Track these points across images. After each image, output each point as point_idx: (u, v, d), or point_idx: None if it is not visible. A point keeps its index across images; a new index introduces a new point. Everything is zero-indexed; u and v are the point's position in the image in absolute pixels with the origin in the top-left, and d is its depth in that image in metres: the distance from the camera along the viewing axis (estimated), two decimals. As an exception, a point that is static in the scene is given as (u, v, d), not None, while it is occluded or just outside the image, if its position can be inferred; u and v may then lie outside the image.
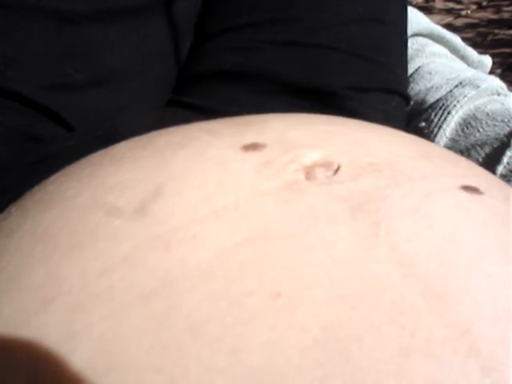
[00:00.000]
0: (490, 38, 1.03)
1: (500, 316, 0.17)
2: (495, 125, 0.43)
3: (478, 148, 0.43)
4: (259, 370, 0.15)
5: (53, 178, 0.25)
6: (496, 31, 1.05)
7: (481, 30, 1.05)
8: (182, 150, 0.22)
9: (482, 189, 0.22)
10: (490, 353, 0.16)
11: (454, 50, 0.51)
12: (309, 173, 0.21)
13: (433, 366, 0.15)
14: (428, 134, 0.45)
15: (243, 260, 0.17)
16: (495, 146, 0.42)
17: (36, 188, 0.25)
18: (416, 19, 0.50)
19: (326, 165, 0.21)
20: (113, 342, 0.16)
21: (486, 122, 0.43)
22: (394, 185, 0.20)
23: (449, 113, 0.44)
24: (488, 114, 0.43)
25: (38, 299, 0.17)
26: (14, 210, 0.23)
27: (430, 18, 0.52)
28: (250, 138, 0.22)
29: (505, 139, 0.42)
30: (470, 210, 0.21)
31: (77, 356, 0.16)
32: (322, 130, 0.23)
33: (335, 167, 0.21)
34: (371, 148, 0.22)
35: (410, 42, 0.49)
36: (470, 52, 0.51)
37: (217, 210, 0.19)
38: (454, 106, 0.44)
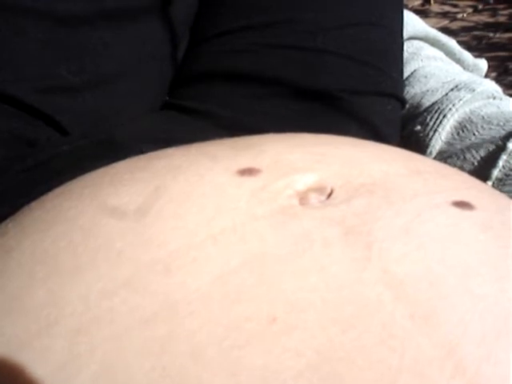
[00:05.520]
0: (485, 41, 1.03)
1: (486, 335, 0.17)
2: (491, 128, 0.43)
3: (474, 151, 0.43)
4: (256, 392, 0.16)
5: (51, 194, 0.25)
6: (492, 35, 1.05)
7: (476, 33, 1.06)
8: (181, 173, 0.22)
9: (473, 202, 0.23)
10: (475, 371, 0.16)
11: (449, 54, 0.51)
12: (303, 198, 0.21)
13: (420, 385, 0.16)
14: (423, 138, 0.45)
15: (240, 284, 0.18)
16: (491, 149, 0.42)
17: (34, 204, 0.25)
18: (412, 22, 0.50)
19: (319, 189, 0.22)
20: (115, 364, 0.16)
21: (482, 126, 0.44)
22: (385, 205, 0.21)
23: (444, 116, 0.45)
24: (483, 118, 0.44)
25: (41, 321, 0.18)
26: (12, 226, 0.23)
27: (425, 22, 0.52)
28: (245, 163, 0.22)
29: (500, 143, 0.42)
30: (460, 226, 0.21)
31: (79, 379, 0.16)
32: (315, 152, 0.23)
33: (328, 191, 0.22)
34: (364, 168, 0.23)
35: (406, 46, 0.49)
36: (466, 55, 0.51)
37: (215, 234, 0.19)
38: (450, 109, 0.45)
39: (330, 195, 0.22)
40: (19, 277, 0.20)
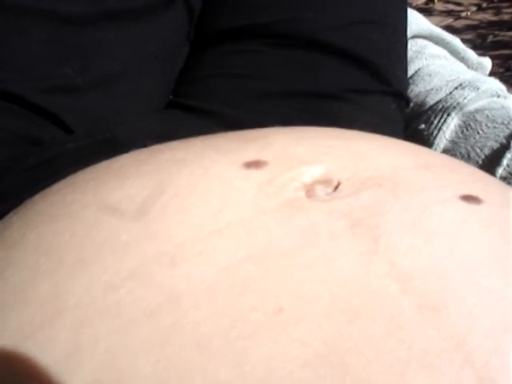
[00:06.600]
0: (489, 39, 1.03)
1: (495, 327, 0.17)
2: (495, 127, 0.43)
3: (478, 150, 0.43)
4: (262, 383, 0.16)
5: (55, 187, 0.25)
6: (496, 33, 1.05)
7: (481, 31, 1.06)
8: (186, 166, 0.22)
9: (481, 196, 0.22)
10: (485, 363, 0.16)
11: (453, 52, 0.51)
12: (309, 190, 0.21)
13: (429, 376, 0.16)
14: (428, 136, 0.45)
15: (246, 276, 0.18)
16: (495, 148, 0.42)
17: (37, 196, 0.25)
18: (416, 21, 0.50)
19: (326, 182, 0.21)
20: (119, 355, 0.16)
21: (486, 124, 0.43)
22: (393, 199, 0.21)
23: (448, 115, 0.45)
24: (488, 116, 0.44)
25: (45, 313, 0.18)
26: (16, 219, 0.23)
27: (429, 20, 0.52)
28: (252, 155, 0.22)
29: (504, 141, 0.42)
30: (467, 221, 0.21)
31: (83, 370, 0.16)
32: (322, 145, 0.23)
33: (335, 184, 0.22)
34: (371, 161, 0.23)
35: (410, 44, 0.49)
36: (470, 54, 0.51)
37: (221, 228, 0.19)
38: (454, 107, 0.45)
39: (336, 188, 0.22)
40: (24, 269, 0.20)
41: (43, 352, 0.17)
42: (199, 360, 0.16)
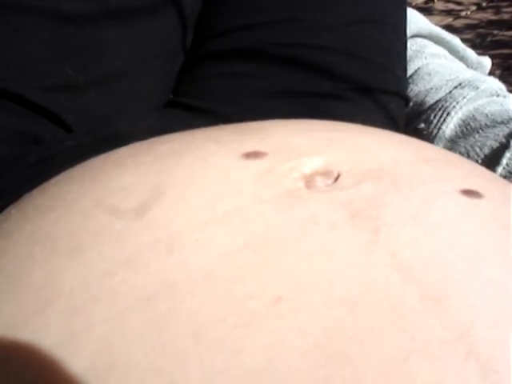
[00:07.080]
0: (489, 39, 1.03)
1: (498, 319, 0.17)
2: (494, 126, 0.43)
3: (478, 149, 0.43)
4: (259, 372, 0.15)
5: (53, 181, 0.25)
6: (495, 32, 1.06)
7: (480, 31, 1.06)
8: (184, 157, 0.22)
9: (481, 191, 0.22)
10: (489, 355, 0.16)
11: (453, 51, 0.51)
12: (309, 181, 0.21)
13: (432, 367, 0.15)
14: (427, 135, 0.45)
15: (244, 264, 0.17)
16: (494, 147, 0.42)
17: (36, 191, 0.25)
18: (415, 20, 0.50)
19: (325, 173, 0.21)
20: (113, 343, 0.16)
21: (485, 124, 0.43)
22: (393, 191, 0.20)
23: (448, 114, 0.44)
24: (487, 116, 0.44)
25: (38, 300, 0.18)
26: (14, 212, 0.23)
27: (429, 19, 0.52)
28: (251, 146, 0.22)
29: (504, 140, 0.42)
30: (468, 215, 0.21)
31: (77, 358, 0.16)
32: (322, 137, 0.23)
33: (335, 175, 0.21)
34: (372, 154, 0.23)
35: (410, 43, 0.49)
36: (470, 53, 0.51)
37: (218, 216, 0.19)
38: (454, 107, 0.44)
39: (336, 179, 0.21)
40: (19, 258, 0.20)
41: (38, 339, 0.16)
42: (195, 348, 0.15)
